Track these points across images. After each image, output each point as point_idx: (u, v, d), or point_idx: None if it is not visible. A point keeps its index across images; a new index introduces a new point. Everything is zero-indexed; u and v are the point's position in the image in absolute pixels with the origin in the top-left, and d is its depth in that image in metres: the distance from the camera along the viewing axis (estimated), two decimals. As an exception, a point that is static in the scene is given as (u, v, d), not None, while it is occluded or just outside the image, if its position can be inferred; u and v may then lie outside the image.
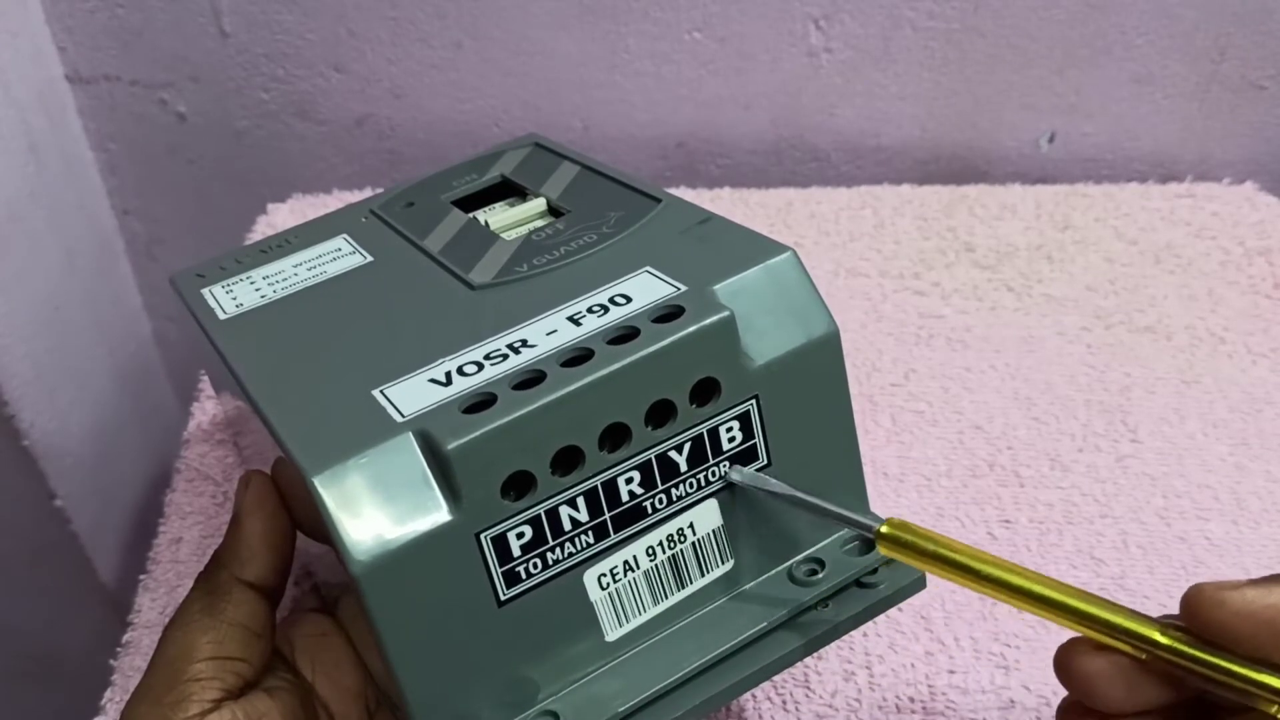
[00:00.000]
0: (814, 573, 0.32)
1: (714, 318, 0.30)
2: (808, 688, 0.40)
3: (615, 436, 0.29)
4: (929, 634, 0.41)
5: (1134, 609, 0.26)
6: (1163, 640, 0.25)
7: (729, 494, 0.32)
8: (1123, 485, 0.47)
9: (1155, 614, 0.26)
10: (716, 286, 0.31)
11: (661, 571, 0.31)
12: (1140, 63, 0.66)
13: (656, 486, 0.30)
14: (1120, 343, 0.55)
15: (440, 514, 0.28)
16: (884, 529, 0.29)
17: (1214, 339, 0.55)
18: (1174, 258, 0.60)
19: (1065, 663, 0.27)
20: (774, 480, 0.31)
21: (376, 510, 0.27)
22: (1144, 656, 0.25)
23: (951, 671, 0.40)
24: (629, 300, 0.32)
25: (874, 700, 0.39)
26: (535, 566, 0.29)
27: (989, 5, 0.64)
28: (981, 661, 0.40)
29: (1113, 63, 0.66)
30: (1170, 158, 0.70)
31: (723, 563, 0.32)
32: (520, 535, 0.29)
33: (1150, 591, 0.43)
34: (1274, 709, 0.24)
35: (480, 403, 0.28)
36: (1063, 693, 0.28)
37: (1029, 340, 0.55)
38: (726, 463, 0.31)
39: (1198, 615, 0.24)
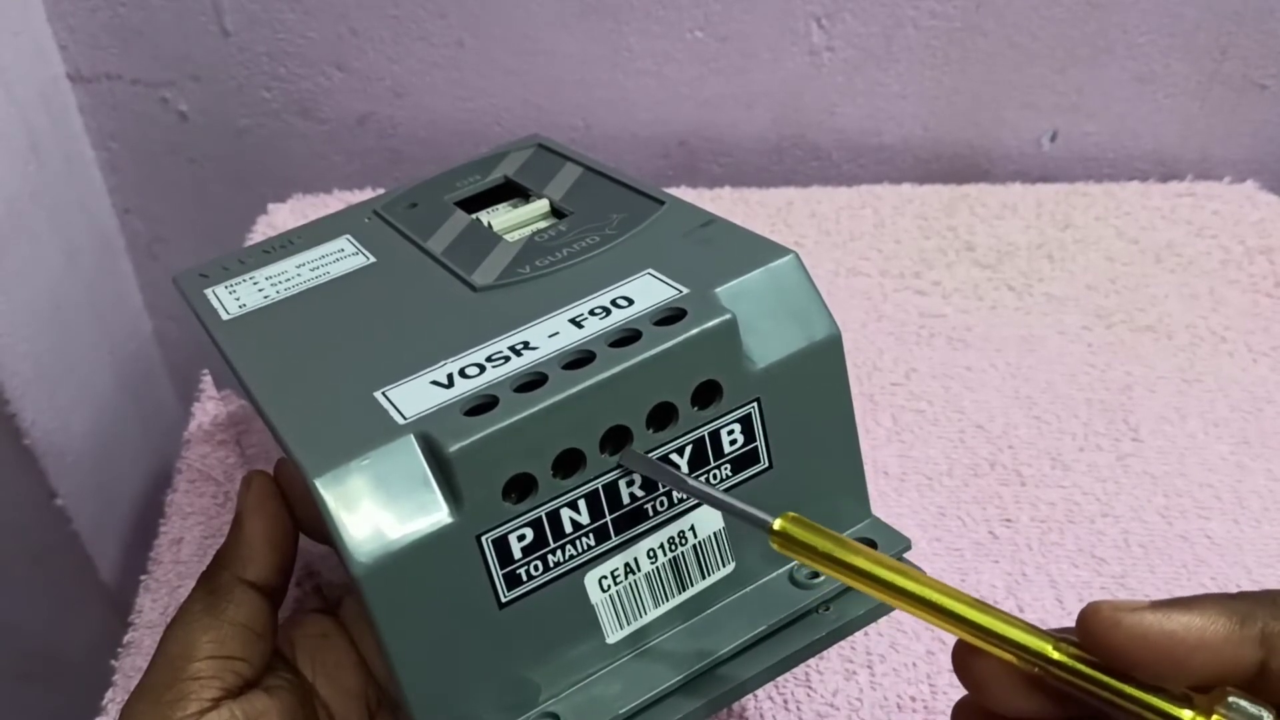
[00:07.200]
0: (815, 575, 0.32)
1: (716, 320, 0.30)
2: (809, 687, 0.40)
3: (617, 439, 0.29)
4: (930, 633, 0.41)
5: (1031, 623, 0.25)
6: (1054, 655, 0.24)
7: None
8: (1124, 484, 0.47)
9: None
10: (718, 289, 0.31)
11: (662, 574, 0.31)
12: (1142, 62, 0.66)
13: (658, 489, 0.30)
14: (1121, 342, 0.55)
15: (441, 516, 0.28)
16: (777, 525, 0.27)
17: (1215, 338, 0.55)
18: (1175, 256, 0.60)
19: (962, 660, 0.26)
20: (666, 466, 0.30)
21: (378, 511, 0.27)
22: (1036, 670, 0.24)
23: (952, 670, 0.40)
24: (631, 303, 0.32)
25: (875, 699, 0.39)
26: (536, 568, 0.29)
27: (991, 4, 0.64)
28: (982, 662, 0.40)
29: (1114, 62, 0.66)
30: (1171, 156, 0.70)
31: (724, 565, 0.32)
32: (521, 537, 0.29)
33: (1151, 590, 0.43)
34: None
35: (482, 405, 0.28)
36: None
37: (1030, 339, 0.55)
38: (729, 466, 0.31)
39: (1091, 635, 0.24)
